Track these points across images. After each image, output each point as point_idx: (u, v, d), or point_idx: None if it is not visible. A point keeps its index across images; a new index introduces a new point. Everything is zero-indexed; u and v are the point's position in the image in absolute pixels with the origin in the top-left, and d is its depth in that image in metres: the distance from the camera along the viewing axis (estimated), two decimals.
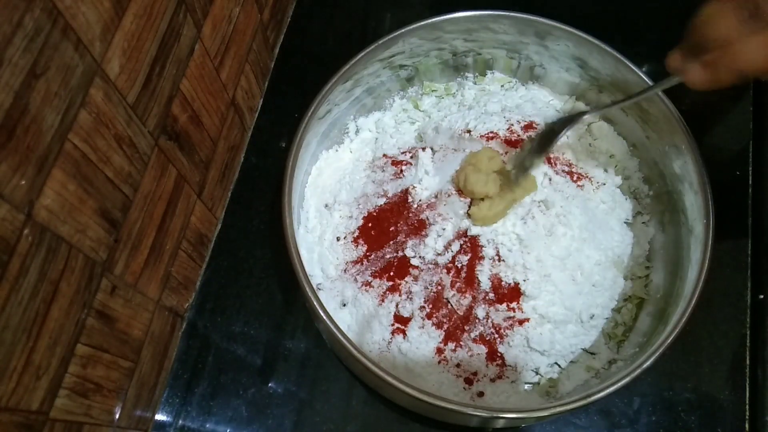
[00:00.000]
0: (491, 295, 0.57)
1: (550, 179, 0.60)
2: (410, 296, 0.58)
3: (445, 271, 0.58)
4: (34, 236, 0.36)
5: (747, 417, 0.60)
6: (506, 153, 0.62)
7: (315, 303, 0.50)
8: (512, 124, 0.63)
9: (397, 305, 0.58)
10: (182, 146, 0.55)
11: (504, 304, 0.57)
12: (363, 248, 0.61)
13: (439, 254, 0.58)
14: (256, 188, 0.71)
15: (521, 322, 0.57)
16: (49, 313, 0.39)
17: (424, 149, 0.65)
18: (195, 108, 0.57)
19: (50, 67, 0.35)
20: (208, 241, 0.67)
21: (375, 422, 0.59)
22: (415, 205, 0.61)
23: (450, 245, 0.58)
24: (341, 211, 0.64)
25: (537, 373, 0.58)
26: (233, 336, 0.63)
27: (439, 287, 0.58)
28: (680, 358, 0.61)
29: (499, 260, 0.57)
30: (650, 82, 0.59)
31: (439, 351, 0.57)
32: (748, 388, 0.60)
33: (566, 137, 0.64)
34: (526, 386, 0.58)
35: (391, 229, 0.61)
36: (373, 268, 0.60)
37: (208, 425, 0.59)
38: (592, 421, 0.59)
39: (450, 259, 0.58)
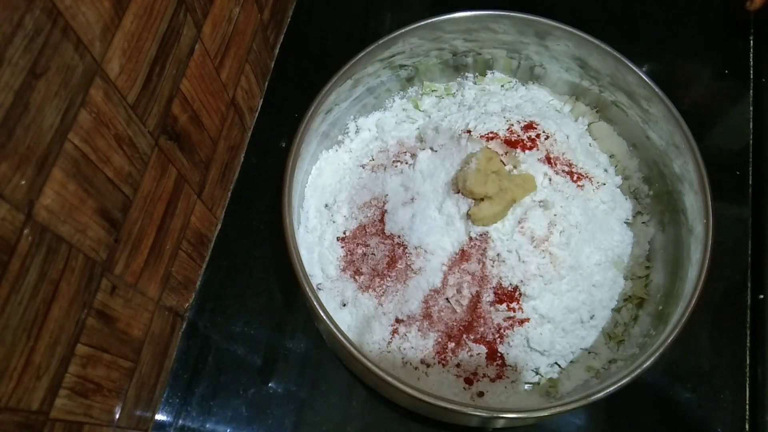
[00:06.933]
0: (492, 295, 0.57)
1: (550, 179, 0.60)
2: (410, 296, 0.58)
3: (445, 270, 0.58)
4: (34, 236, 0.36)
5: (747, 417, 0.59)
6: (506, 153, 0.62)
7: (315, 303, 0.50)
8: (512, 124, 0.63)
9: (397, 305, 0.58)
10: (182, 146, 0.55)
11: (504, 304, 0.57)
12: (363, 248, 0.61)
13: (439, 254, 0.58)
14: (256, 188, 0.71)
15: (521, 322, 0.57)
16: (49, 313, 0.39)
17: (423, 149, 0.65)
18: (195, 108, 0.57)
19: (50, 67, 0.35)
20: (208, 241, 0.67)
21: (375, 422, 0.59)
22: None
23: (450, 245, 0.58)
24: (341, 211, 0.64)
25: (537, 373, 0.58)
26: (233, 336, 0.63)
27: (440, 287, 0.57)
28: (680, 358, 0.61)
29: (500, 260, 0.57)
30: (650, 82, 0.59)
31: (439, 351, 0.57)
32: (748, 388, 0.60)
33: (566, 137, 0.64)
34: (526, 386, 0.58)
35: None
36: (374, 268, 0.60)
37: (208, 425, 0.59)
38: (592, 421, 0.59)
39: (450, 259, 0.58)
